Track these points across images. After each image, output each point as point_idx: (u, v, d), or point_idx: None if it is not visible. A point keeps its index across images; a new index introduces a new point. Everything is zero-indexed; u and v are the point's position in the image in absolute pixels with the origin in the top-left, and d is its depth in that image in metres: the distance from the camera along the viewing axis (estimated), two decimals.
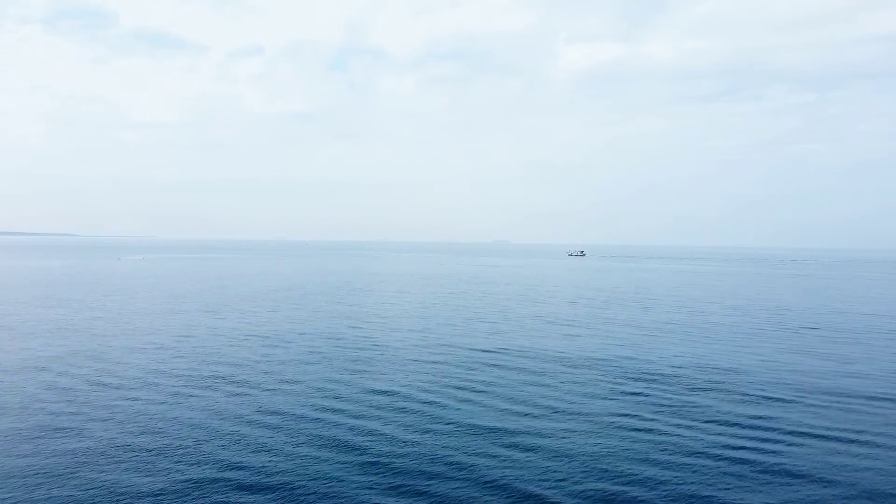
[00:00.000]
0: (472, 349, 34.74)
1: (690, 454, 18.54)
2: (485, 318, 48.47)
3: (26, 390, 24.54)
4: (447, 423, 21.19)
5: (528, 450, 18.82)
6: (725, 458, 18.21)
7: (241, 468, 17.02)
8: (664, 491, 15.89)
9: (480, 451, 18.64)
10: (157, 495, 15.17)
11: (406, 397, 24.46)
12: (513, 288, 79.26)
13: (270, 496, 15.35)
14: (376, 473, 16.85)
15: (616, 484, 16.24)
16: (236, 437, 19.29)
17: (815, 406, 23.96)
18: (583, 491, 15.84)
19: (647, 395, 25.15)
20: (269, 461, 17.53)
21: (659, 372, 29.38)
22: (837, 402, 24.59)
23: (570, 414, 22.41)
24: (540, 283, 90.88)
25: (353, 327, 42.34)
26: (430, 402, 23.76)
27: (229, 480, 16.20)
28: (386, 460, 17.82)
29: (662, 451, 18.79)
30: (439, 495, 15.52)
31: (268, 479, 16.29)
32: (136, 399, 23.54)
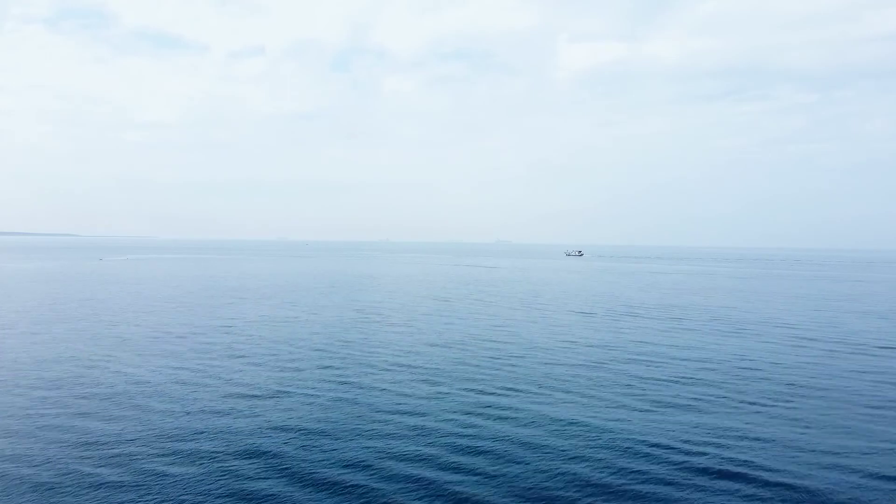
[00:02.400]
0: (463, 394, 25.48)
1: None
2: (481, 338, 39.43)
3: None
4: None
5: None
6: None
7: None
8: None
9: None
10: None
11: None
12: (514, 293, 70.14)
13: None
14: None
15: None
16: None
17: None
18: None
19: None
20: None
21: (749, 451, 20.23)
22: None
23: None
24: (544, 288, 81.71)
25: (311, 351, 33.24)
26: None
27: None
28: None
29: None
30: None
31: None
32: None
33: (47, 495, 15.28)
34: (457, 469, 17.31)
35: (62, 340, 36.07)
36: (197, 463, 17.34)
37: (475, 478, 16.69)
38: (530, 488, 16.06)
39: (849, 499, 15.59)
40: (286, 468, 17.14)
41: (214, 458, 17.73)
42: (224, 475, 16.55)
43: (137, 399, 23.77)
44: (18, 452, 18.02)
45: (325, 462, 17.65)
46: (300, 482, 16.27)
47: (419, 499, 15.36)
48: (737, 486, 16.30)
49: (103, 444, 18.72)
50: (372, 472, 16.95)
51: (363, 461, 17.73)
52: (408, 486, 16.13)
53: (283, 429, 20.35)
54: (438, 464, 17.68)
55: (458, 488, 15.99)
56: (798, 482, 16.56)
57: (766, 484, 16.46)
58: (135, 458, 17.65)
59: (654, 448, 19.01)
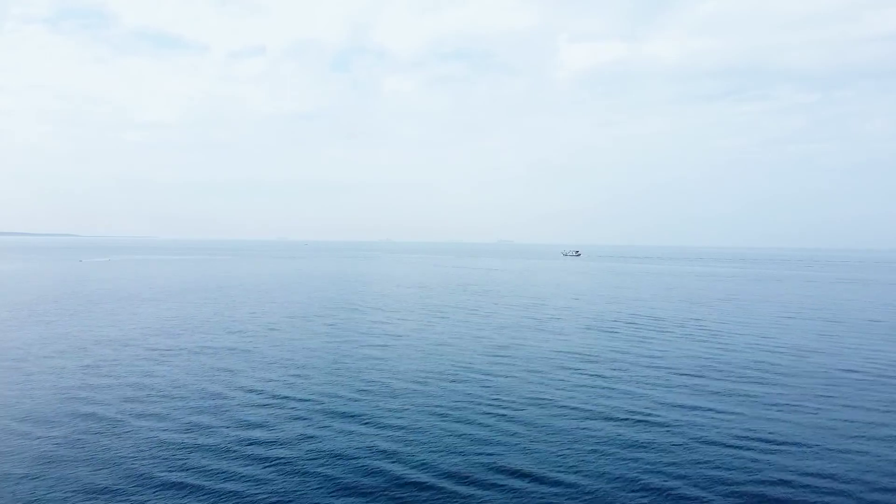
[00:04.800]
0: (455, 457, 17.25)
1: None
2: (476, 368, 30.71)
3: None
4: None
5: None
6: None
7: None
8: None
9: None
10: None
11: None
12: (517, 302, 61.25)
13: None
14: None
15: None
16: None
17: None
18: None
19: None
20: None
21: None
22: None
23: None
24: (548, 294, 72.90)
25: (241, 393, 24.67)
26: None
27: None
28: None
29: None
30: None
31: None
32: None
33: None
34: None
35: None
36: None
37: None
38: None
39: None
40: None
41: None
42: None
43: None
44: None
45: None
46: None
47: None
48: None
49: None
50: None
51: None
52: None
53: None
54: None
55: None
56: None
57: None
58: None
59: None
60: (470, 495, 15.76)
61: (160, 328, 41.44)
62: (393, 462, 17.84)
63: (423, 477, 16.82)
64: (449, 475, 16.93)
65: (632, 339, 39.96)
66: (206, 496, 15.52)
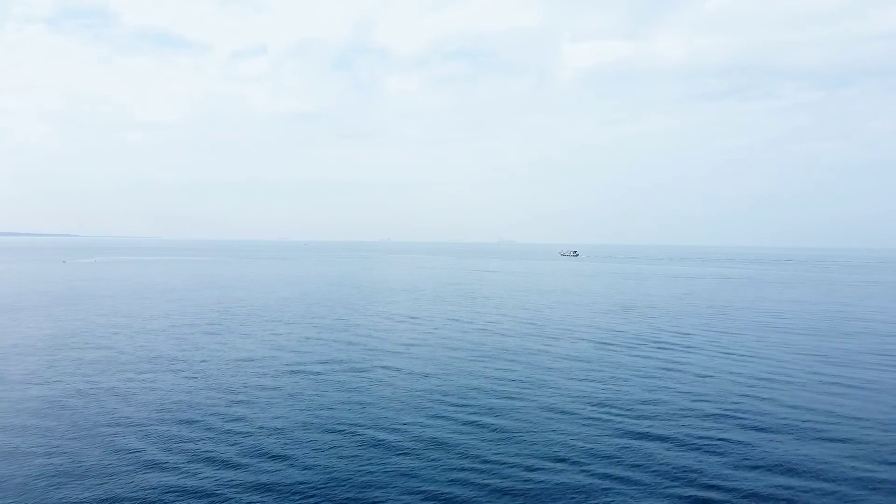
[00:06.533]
0: None
1: None
2: (469, 407, 23.86)
3: None
4: None
5: None
6: None
7: None
8: None
9: None
10: None
11: None
12: (514, 314, 54.45)
13: None
14: None
15: None
16: None
17: None
18: None
19: None
20: None
21: None
22: None
23: None
24: (556, 300, 65.98)
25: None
26: None
27: None
28: None
29: None
30: None
31: None
32: None
33: None
34: None
35: None
36: None
37: None
38: None
39: None
40: None
41: None
42: None
43: None
44: None
45: None
46: None
47: None
48: None
49: None
50: None
51: None
52: None
53: None
54: None
55: None
56: None
57: None
58: None
59: None
60: None
61: (99, 335, 34.73)
62: None
63: None
64: None
65: (660, 366, 33.03)
66: None
